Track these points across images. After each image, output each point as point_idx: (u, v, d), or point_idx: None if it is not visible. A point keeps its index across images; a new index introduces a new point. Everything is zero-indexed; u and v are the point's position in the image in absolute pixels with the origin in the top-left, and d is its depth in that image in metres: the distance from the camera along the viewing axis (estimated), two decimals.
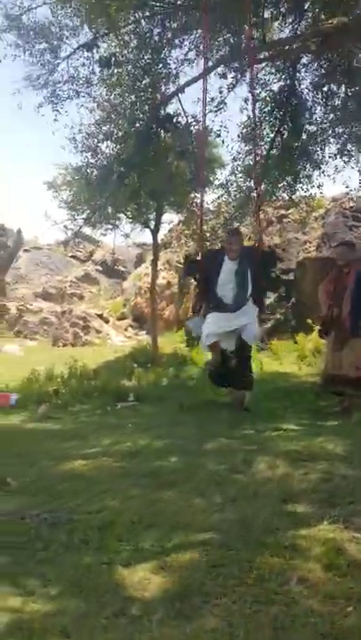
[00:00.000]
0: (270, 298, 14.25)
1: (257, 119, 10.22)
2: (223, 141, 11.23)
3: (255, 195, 8.22)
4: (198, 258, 6.70)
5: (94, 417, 7.81)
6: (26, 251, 30.96)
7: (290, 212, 15.15)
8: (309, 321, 12.47)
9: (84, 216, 13.81)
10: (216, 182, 12.66)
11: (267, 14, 9.44)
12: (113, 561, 2.73)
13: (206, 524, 3.17)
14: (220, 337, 6.54)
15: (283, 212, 15.29)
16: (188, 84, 9.34)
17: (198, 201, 12.80)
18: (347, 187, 11.97)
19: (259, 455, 4.62)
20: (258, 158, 8.89)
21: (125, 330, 23.23)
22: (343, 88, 10.44)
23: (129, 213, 14.37)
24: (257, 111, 10.22)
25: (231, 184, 11.27)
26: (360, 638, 2.10)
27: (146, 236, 15.37)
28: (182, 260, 7.41)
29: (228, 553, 2.78)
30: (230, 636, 2.13)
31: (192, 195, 12.29)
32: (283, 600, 2.33)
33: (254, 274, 6.38)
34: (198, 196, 13.09)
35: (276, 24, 9.94)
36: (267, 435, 5.78)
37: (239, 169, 10.87)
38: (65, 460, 4.84)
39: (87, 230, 15.77)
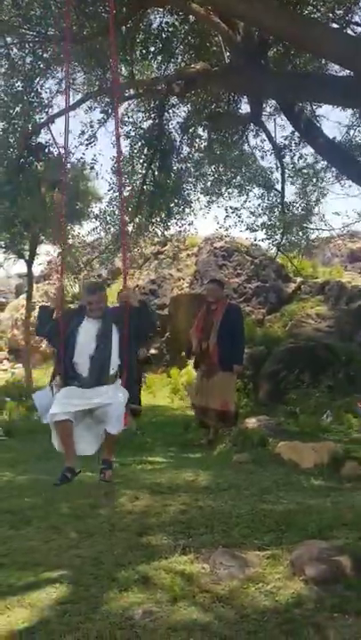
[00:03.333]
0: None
1: (127, 155, 10.56)
2: (98, 173, 11.35)
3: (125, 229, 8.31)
4: (55, 315, 4.75)
5: None
6: None
7: (165, 248, 15.52)
8: (183, 354, 12.75)
9: None
10: (92, 214, 12.78)
11: (136, 53, 9.73)
12: None
13: (59, 561, 3.14)
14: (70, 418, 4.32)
15: (159, 248, 15.63)
16: (58, 114, 9.38)
17: (74, 233, 12.87)
18: (217, 222, 12.45)
19: (122, 489, 4.65)
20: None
21: (0, 362, 22.51)
22: (207, 131, 10.95)
23: (2, 242, 14.04)
24: (127, 147, 10.54)
25: (106, 217, 11.38)
26: None
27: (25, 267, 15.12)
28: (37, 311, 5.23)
29: (77, 590, 2.78)
30: None
31: (68, 227, 12.21)
32: (125, 635, 2.35)
33: (122, 335, 4.55)
34: (74, 227, 13.20)
35: (144, 63, 10.25)
36: (132, 468, 5.81)
37: (114, 202, 10.99)
38: None
39: None
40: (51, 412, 4.26)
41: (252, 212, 11.81)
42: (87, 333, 4.54)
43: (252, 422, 7.62)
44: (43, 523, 3.83)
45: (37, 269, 17.23)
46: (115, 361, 4.50)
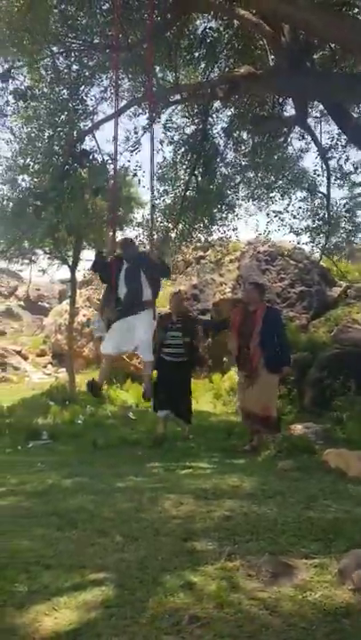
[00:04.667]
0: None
1: (170, 161, 10.63)
2: (140, 181, 11.45)
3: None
4: (108, 258, 7.03)
5: (3, 455, 7.61)
6: None
7: (207, 253, 15.54)
8: (225, 360, 12.71)
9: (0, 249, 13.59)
10: (135, 221, 12.94)
11: (181, 58, 9.77)
12: (5, 603, 2.66)
13: (105, 564, 3.14)
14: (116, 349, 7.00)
15: (201, 253, 15.64)
16: (102, 121, 9.53)
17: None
18: (257, 230, 12.47)
19: (165, 493, 4.64)
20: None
21: (45, 367, 22.85)
22: (251, 135, 10.93)
23: (46, 249, 14.27)
24: (171, 153, 10.61)
25: (148, 223, 11.44)
26: None
27: (68, 273, 15.39)
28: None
29: (122, 593, 2.77)
30: None
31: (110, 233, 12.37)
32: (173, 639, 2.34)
33: (149, 277, 6.77)
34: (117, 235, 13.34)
35: (189, 68, 10.29)
36: (176, 473, 5.82)
37: (156, 209, 11.04)
38: None
39: (2, 264, 15.51)
40: (103, 347, 7.04)
41: (294, 216, 11.75)
42: (125, 274, 6.75)
43: (297, 429, 7.54)
44: (88, 525, 3.85)
45: (80, 275, 17.44)
46: (146, 292, 6.70)
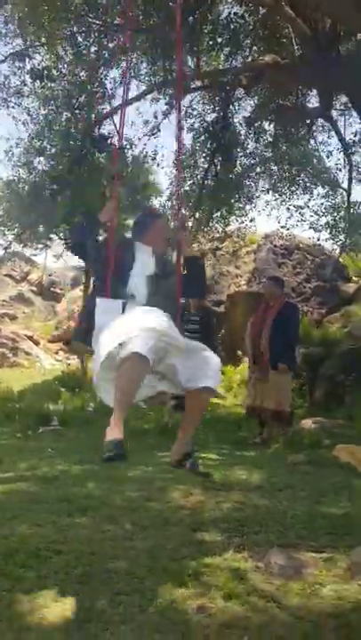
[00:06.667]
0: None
1: (190, 148, 10.50)
2: (158, 164, 11.27)
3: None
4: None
5: (13, 440, 7.63)
6: None
7: (223, 245, 15.45)
8: (239, 353, 12.68)
9: (14, 232, 13.45)
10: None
11: (203, 44, 9.61)
12: (13, 588, 2.68)
13: (114, 552, 3.16)
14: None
15: (217, 244, 15.55)
16: (121, 105, 9.46)
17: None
18: (278, 222, 12.36)
19: (175, 484, 4.64)
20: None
21: (56, 353, 22.88)
22: (273, 125, 10.78)
23: (61, 234, 14.13)
24: (190, 140, 10.47)
25: (166, 211, 11.28)
26: None
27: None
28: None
29: (132, 581, 2.78)
30: None
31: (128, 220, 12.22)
32: (180, 629, 2.35)
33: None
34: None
35: (211, 54, 10.12)
36: None
37: (174, 197, 10.90)
38: None
39: (17, 248, 15.41)
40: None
41: (315, 212, 11.62)
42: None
43: (308, 424, 7.52)
44: (98, 513, 3.85)
45: None
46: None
